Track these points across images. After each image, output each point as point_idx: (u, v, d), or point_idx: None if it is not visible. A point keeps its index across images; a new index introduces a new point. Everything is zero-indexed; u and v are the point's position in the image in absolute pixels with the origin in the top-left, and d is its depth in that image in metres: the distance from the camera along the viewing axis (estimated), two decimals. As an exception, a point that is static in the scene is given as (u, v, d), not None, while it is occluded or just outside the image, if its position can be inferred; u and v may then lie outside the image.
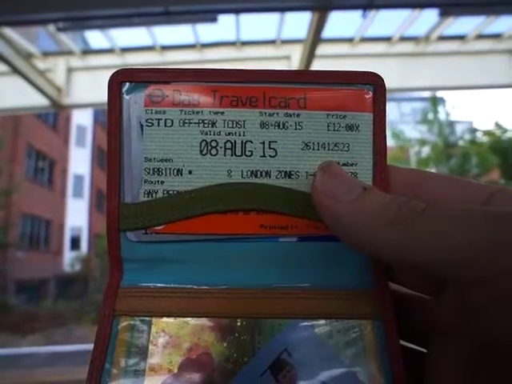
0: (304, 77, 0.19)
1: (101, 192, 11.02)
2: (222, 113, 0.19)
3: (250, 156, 0.19)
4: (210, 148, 0.18)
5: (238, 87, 0.19)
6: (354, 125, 0.19)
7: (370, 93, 0.19)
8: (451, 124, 7.16)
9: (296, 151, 0.19)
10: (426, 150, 7.15)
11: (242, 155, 0.19)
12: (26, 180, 8.43)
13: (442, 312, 0.18)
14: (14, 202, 7.59)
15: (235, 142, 0.19)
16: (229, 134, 0.19)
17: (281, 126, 0.19)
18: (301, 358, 0.17)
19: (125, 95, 0.19)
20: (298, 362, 0.17)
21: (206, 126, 0.18)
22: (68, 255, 9.91)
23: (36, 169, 9.17)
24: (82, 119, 10.87)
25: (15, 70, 2.46)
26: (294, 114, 0.19)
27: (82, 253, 9.89)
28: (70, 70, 2.88)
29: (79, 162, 10.74)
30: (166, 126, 0.18)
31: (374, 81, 0.19)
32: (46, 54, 2.87)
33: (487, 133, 6.81)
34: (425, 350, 0.18)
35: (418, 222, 0.15)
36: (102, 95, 2.91)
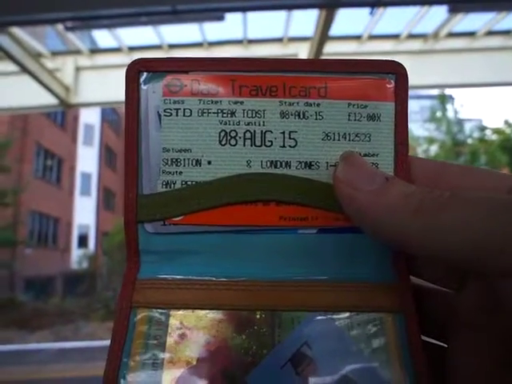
0: (324, 65, 0.19)
1: (108, 190, 11.11)
2: (242, 102, 0.18)
3: (269, 146, 0.18)
4: (229, 138, 0.18)
5: (258, 76, 0.18)
6: (375, 114, 0.18)
7: (392, 82, 0.19)
8: (460, 122, 7.10)
9: (316, 141, 0.18)
10: (434, 149, 7.10)
11: (261, 145, 0.18)
12: (35, 178, 8.52)
13: (465, 305, 0.17)
14: (23, 200, 7.67)
15: (255, 132, 0.18)
16: (248, 123, 0.18)
17: (301, 116, 0.18)
18: (321, 351, 0.17)
19: (142, 85, 0.18)
20: (318, 355, 0.17)
21: (225, 115, 0.18)
22: (75, 253, 10.00)
23: (44, 167, 9.26)
24: (90, 118, 10.94)
25: (24, 70, 2.49)
26: (314, 103, 0.18)
27: (89, 250, 9.97)
28: (78, 69, 2.90)
29: (87, 160, 10.82)
30: (184, 115, 0.18)
31: (395, 70, 0.19)
32: (55, 54, 2.90)
33: (496, 131, 6.74)
34: (445, 345, 0.18)
35: (444, 212, 0.15)
36: (109, 94, 2.92)
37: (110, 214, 11.00)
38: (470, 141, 6.93)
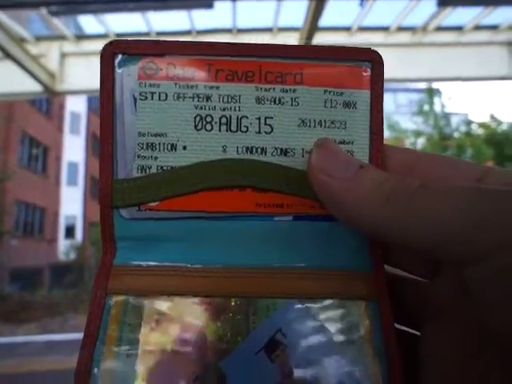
0: (301, 51, 0.18)
1: (95, 180, 10.91)
2: (218, 87, 0.18)
3: (245, 132, 0.18)
4: (204, 123, 0.18)
5: (234, 61, 0.18)
6: (351, 102, 0.18)
7: (368, 70, 0.19)
8: (447, 116, 7.17)
9: (292, 128, 0.18)
10: (421, 142, 7.17)
11: (237, 131, 0.18)
12: (20, 167, 8.35)
13: (438, 294, 0.18)
14: (8, 190, 7.53)
15: (230, 117, 0.18)
16: (224, 109, 0.18)
17: (277, 102, 0.18)
18: (295, 338, 0.17)
19: (117, 68, 0.18)
20: (292, 342, 0.17)
21: (200, 100, 0.18)
22: (63, 243, 9.89)
23: (30, 156, 9.08)
24: (76, 106, 10.74)
25: (7, 55, 2.42)
26: (290, 89, 0.18)
27: (76, 241, 9.87)
28: (63, 56, 2.83)
29: (73, 149, 10.65)
30: (159, 99, 0.18)
31: (372, 58, 0.19)
32: (39, 39, 2.82)
33: (482, 125, 6.83)
34: (418, 333, 0.18)
35: (414, 200, 0.15)
36: (96, 81, 2.85)
37: (97, 205, 10.79)
38: (456, 134, 7.02)
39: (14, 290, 6.51)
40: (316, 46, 0.18)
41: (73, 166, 10.76)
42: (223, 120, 0.18)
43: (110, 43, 0.18)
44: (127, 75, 0.18)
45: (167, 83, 0.18)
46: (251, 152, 0.18)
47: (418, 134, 7.11)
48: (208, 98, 0.18)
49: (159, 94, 0.18)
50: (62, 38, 2.79)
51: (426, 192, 0.15)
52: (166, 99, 0.18)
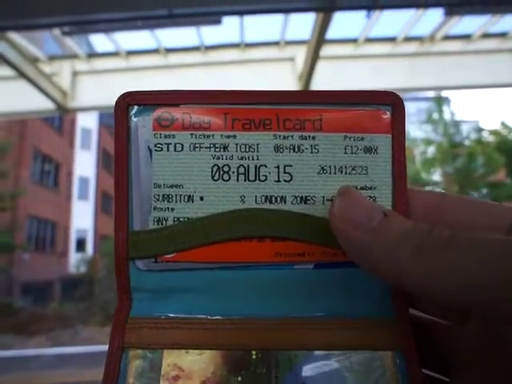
0: (319, 97, 0.18)
1: (106, 194, 11.08)
2: (234, 136, 0.18)
3: (264, 181, 0.18)
4: (222, 173, 0.18)
5: (251, 109, 0.18)
6: (372, 147, 0.18)
7: (388, 113, 0.18)
8: (456, 124, 7.11)
9: (312, 175, 0.18)
10: (431, 150, 7.11)
11: (255, 180, 0.18)
12: (32, 183, 8.49)
13: (469, 341, 0.17)
14: (21, 205, 7.64)
15: (248, 166, 0.18)
16: (242, 158, 0.18)
17: (296, 150, 0.18)
18: None
19: (132, 118, 0.18)
20: None
21: (217, 150, 0.18)
22: (74, 257, 9.96)
23: (42, 172, 9.23)
24: (87, 122, 10.92)
25: (21, 74, 2.48)
26: (309, 136, 0.18)
27: (87, 254, 9.93)
28: (75, 74, 2.89)
29: (84, 164, 10.79)
30: (175, 150, 0.18)
31: (392, 101, 0.18)
32: (52, 58, 2.89)
33: (493, 132, 6.76)
34: (447, 379, 0.18)
35: (444, 253, 0.14)
36: (106, 98, 2.91)
37: (108, 218, 10.96)
38: (466, 142, 6.96)
39: (26, 304, 6.55)
40: (334, 91, 0.18)
41: (84, 181, 10.89)
42: (241, 169, 0.18)
43: (124, 95, 0.18)
44: (142, 126, 0.18)
45: (183, 133, 0.18)
46: (270, 201, 0.18)
47: (427, 142, 7.06)
48: (225, 148, 0.18)
49: (175, 144, 0.18)
50: (73, 56, 2.86)
51: (455, 244, 0.14)
52: (181, 150, 0.18)
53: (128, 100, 0.18)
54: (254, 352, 0.17)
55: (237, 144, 0.18)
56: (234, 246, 0.18)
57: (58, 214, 9.67)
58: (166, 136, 0.18)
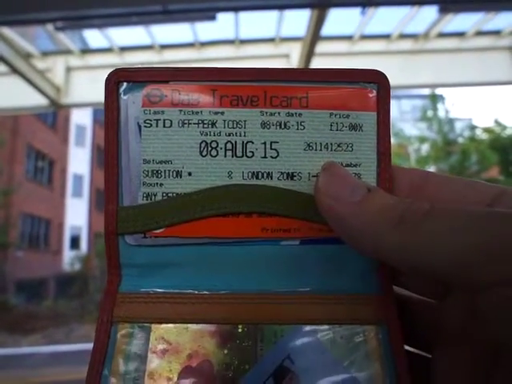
0: (306, 75, 0.18)
1: (100, 192, 10.99)
2: (222, 113, 0.18)
3: (250, 157, 0.18)
4: (209, 149, 0.18)
5: (239, 86, 0.18)
6: (357, 124, 0.18)
7: (374, 91, 0.19)
8: (450, 121, 7.15)
9: (298, 152, 0.18)
10: (425, 148, 7.15)
11: (242, 156, 0.18)
12: (26, 180, 8.42)
13: (448, 316, 0.17)
14: (14, 202, 7.58)
15: (236, 142, 0.18)
16: (229, 134, 0.18)
17: (282, 126, 0.18)
18: (303, 365, 0.17)
19: (122, 95, 0.18)
20: (301, 369, 0.17)
21: (205, 126, 0.18)
22: (68, 254, 9.91)
23: (35, 169, 9.16)
24: (81, 119, 10.85)
25: (14, 70, 2.46)
26: (295, 113, 0.18)
27: (81, 252, 9.89)
28: (68, 70, 2.87)
29: (78, 161, 10.73)
30: (164, 126, 0.18)
31: (377, 79, 0.19)
32: (45, 54, 2.86)
33: (487, 130, 6.80)
34: (429, 355, 0.18)
35: (423, 224, 0.15)
36: (100, 94, 2.88)
37: (102, 216, 10.84)
38: (460, 140, 6.99)
39: (20, 301, 6.51)
40: (321, 69, 0.18)
41: (78, 178, 10.83)
42: (228, 145, 0.18)
43: (115, 71, 0.18)
44: (132, 103, 0.18)
45: (172, 110, 0.18)
46: (257, 177, 0.18)
47: (422, 139, 7.09)
48: (213, 124, 0.18)
49: (164, 120, 0.18)
50: (67, 52, 2.83)
51: (434, 216, 0.15)
52: (170, 126, 0.18)
53: (118, 77, 0.18)
54: (240, 326, 0.17)
55: (224, 120, 0.18)
56: (222, 222, 0.18)
57: (51, 212, 9.61)
58: (155, 112, 0.18)
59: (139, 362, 0.17)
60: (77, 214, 10.57)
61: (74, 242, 10.58)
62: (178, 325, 0.17)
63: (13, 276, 7.45)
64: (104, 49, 2.82)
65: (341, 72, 0.18)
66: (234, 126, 0.18)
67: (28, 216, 8.63)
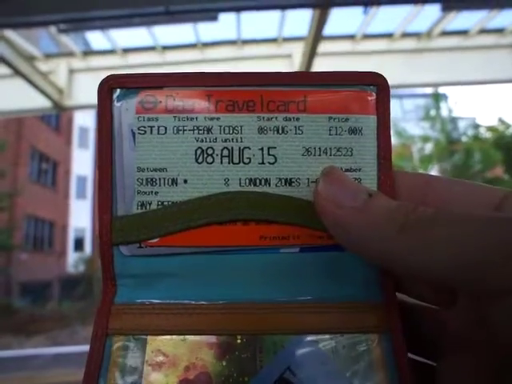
0: (303, 78, 0.18)
1: (104, 193, 11.00)
2: (218, 118, 0.18)
3: (248, 163, 0.18)
4: (205, 156, 0.17)
5: (234, 91, 0.18)
6: (357, 128, 0.18)
7: (374, 94, 0.18)
8: (454, 120, 7.11)
9: (296, 157, 0.18)
10: (428, 147, 7.11)
11: (239, 162, 0.18)
12: (30, 182, 8.46)
13: (455, 324, 0.17)
14: (18, 204, 7.62)
15: (232, 148, 0.18)
16: (225, 140, 0.18)
17: (280, 131, 0.18)
18: (305, 377, 0.16)
19: (115, 102, 0.18)
20: (302, 381, 0.16)
21: (201, 132, 0.18)
22: (72, 256, 9.95)
23: (39, 171, 9.20)
24: (84, 121, 10.89)
25: (17, 72, 2.47)
26: (293, 117, 0.18)
27: (85, 254, 9.92)
28: (71, 72, 2.88)
29: (82, 163, 10.77)
30: (159, 133, 0.17)
31: (377, 81, 0.18)
32: (48, 56, 2.87)
33: (490, 128, 6.77)
34: (434, 364, 0.18)
35: (428, 230, 0.14)
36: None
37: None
38: (464, 139, 6.95)
39: (24, 304, 6.54)
40: (318, 73, 0.18)
41: (81, 180, 10.87)
42: (225, 152, 0.18)
43: (107, 78, 0.18)
44: (125, 109, 0.18)
45: (166, 116, 0.18)
46: (255, 184, 0.18)
47: (425, 139, 7.06)
48: (208, 130, 0.18)
49: (158, 127, 0.17)
50: (70, 54, 2.84)
51: (439, 221, 0.14)
52: (165, 133, 0.17)
53: (111, 83, 0.18)
54: (238, 337, 0.17)
55: (220, 126, 0.18)
56: (219, 230, 0.17)
57: (55, 213, 9.64)
58: (149, 119, 0.17)
59: (135, 375, 0.16)
60: (81, 216, 10.61)
61: (78, 244, 10.62)
62: (174, 336, 0.17)
63: (17, 278, 7.49)
64: (107, 50, 2.83)
65: (339, 75, 0.18)
66: (230, 131, 0.18)
67: (32, 218, 8.67)
